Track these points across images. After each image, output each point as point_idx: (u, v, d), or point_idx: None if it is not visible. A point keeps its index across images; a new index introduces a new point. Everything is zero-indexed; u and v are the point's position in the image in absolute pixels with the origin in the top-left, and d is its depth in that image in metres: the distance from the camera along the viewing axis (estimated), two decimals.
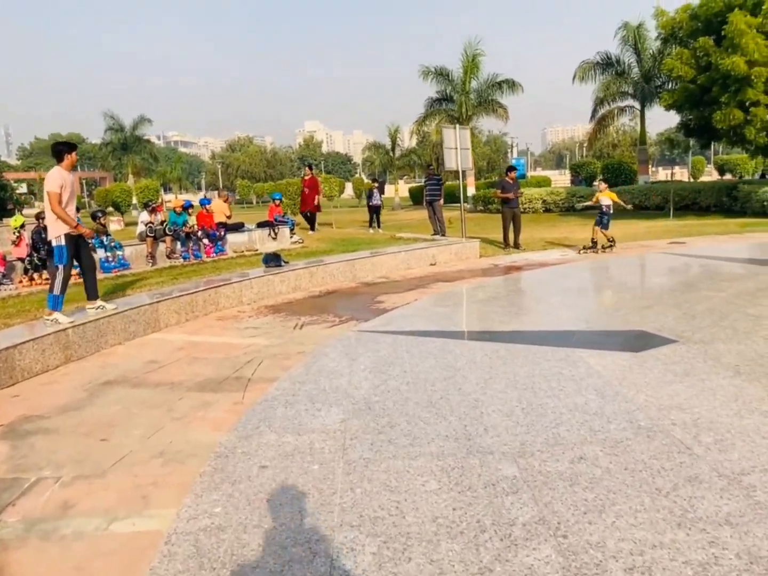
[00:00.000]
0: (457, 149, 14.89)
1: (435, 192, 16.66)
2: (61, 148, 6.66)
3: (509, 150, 59.78)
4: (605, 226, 12.89)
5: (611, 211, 13.09)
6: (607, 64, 31.14)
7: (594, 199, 13.81)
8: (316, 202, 18.07)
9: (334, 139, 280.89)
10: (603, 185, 13.77)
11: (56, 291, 6.57)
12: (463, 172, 16.04)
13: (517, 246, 14.05)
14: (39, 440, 4.37)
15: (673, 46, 23.81)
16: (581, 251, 12.83)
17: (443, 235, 16.05)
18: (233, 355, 6.35)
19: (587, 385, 4.56)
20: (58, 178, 6.50)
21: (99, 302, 7.02)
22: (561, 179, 67.19)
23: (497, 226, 20.92)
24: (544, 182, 41.86)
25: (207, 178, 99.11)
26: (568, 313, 6.94)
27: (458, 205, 34.06)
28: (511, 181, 14.31)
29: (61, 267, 6.60)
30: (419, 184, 55.41)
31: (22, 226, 10.05)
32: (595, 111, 33.06)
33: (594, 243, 12.84)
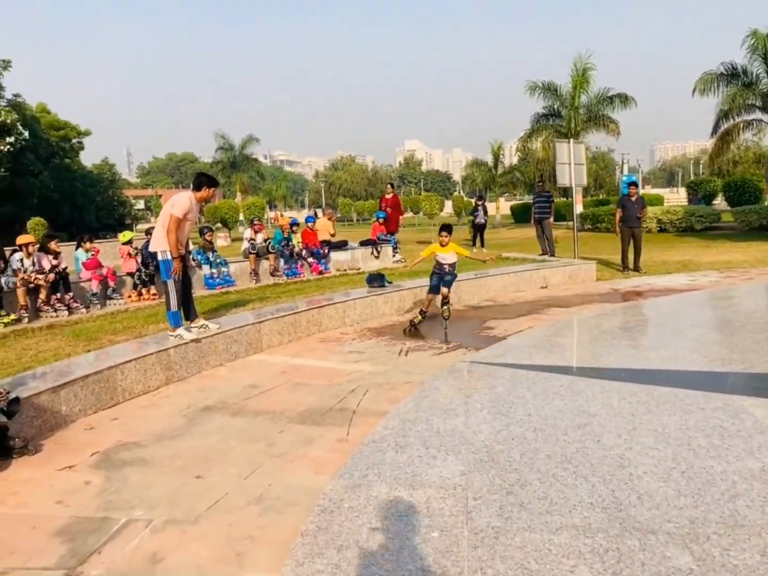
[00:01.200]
0: (571, 164, 14.05)
1: (545, 209, 15.82)
2: (202, 180, 6.63)
3: (619, 167, 57.27)
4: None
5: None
6: (732, 75, 28.89)
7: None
8: (399, 223, 17.11)
9: (434, 158, 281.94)
10: None
11: (173, 307, 6.46)
12: (570, 189, 15.19)
13: (637, 269, 12.97)
14: (133, 473, 4.08)
15: None
16: None
17: (552, 255, 15.17)
18: (336, 381, 5.94)
19: (759, 444, 3.76)
20: (186, 205, 6.44)
21: (201, 321, 6.83)
22: (673, 197, 63.69)
23: (608, 247, 19.76)
24: (657, 200, 39.65)
25: (310, 196, 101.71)
26: (715, 350, 6.04)
27: (563, 223, 32.81)
28: (632, 198, 13.20)
29: (169, 282, 6.47)
30: (521, 201, 54.08)
31: (129, 241, 10.18)
32: (717, 125, 30.76)
33: None
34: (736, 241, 20.95)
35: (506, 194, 69.40)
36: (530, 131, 36.44)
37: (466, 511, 3.14)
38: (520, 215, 42.80)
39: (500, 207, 46.11)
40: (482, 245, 18.85)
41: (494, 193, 48.71)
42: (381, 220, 14.41)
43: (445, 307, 8.20)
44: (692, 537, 2.79)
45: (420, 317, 8.17)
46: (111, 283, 9.37)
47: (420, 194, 71.58)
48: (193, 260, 10.75)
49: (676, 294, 10.02)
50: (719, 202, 41.07)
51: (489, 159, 49.31)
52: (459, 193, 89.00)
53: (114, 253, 12.01)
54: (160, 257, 6.47)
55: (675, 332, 7.05)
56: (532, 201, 18.40)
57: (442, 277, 8.11)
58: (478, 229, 18.99)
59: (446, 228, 8.18)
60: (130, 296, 9.61)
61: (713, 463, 3.53)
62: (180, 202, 6.44)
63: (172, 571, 2.92)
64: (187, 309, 6.78)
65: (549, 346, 6.86)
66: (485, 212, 19.22)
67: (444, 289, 8.08)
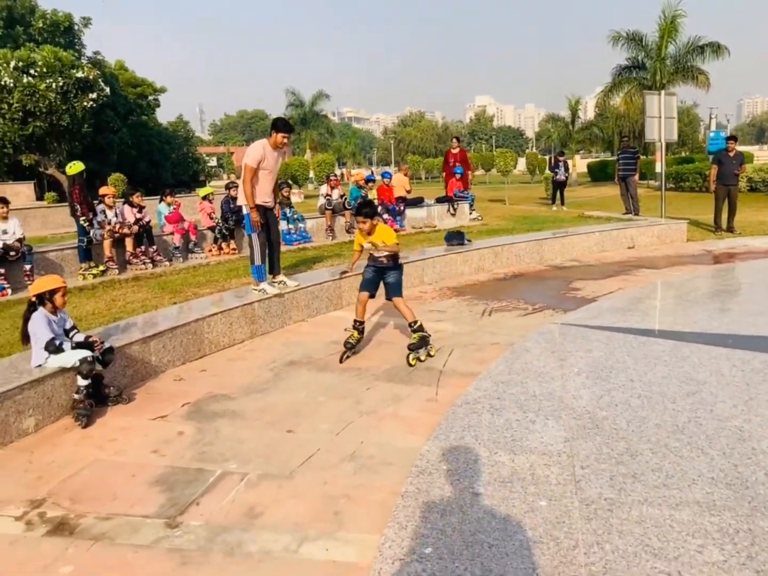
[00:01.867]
0: (661, 118, 13.23)
1: (630, 166, 15.01)
2: (274, 124, 6.40)
3: (704, 123, 54.07)
4: None
5: None
6: None
7: None
8: (470, 179, 15.91)
9: (505, 113, 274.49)
10: None
11: (256, 261, 6.42)
12: (650, 145, 14.28)
13: (731, 230, 12.17)
14: (225, 425, 4.08)
15: None
16: None
17: (636, 214, 14.45)
18: None
19: None
20: (258, 153, 6.25)
21: (281, 277, 6.78)
22: (763, 155, 59.82)
23: (693, 206, 18.73)
24: (747, 158, 37.23)
25: (379, 153, 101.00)
26: None
27: (644, 182, 31.34)
28: (730, 154, 12.28)
29: (253, 236, 6.41)
30: (598, 159, 52.01)
31: (205, 197, 10.27)
32: None
33: None
34: None
35: (582, 152, 66.87)
36: (611, 85, 34.67)
37: (575, 480, 2.96)
38: (597, 173, 41.17)
39: (576, 165, 44.51)
40: (562, 203, 18.16)
41: (570, 151, 46.97)
42: (458, 176, 14.01)
43: (413, 334, 5.19)
44: None
45: (355, 334, 5.36)
46: (192, 237, 9.49)
47: (491, 151, 70.01)
48: None
49: None
50: None
51: (565, 114, 47.48)
52: (532, 149, 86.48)
53: (193, 208, 12.17)
54: (244, 210, 6.42)
55: None
56: (616, 158, 17.52)
57: (380, 273, 5.39)
58: (558, 187, 18.28)
59: (364, 210, 5.32)
60: (210, 250, 9.72)
61: None
62: (251, 151, 6.31)
63: (270, 527, 2.88)
64: (272, 264, 6.73)
65: (644, 308, 6.50)
66: (566, 169, 18.46)
67: (395, 299, 5.33)
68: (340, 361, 5.23)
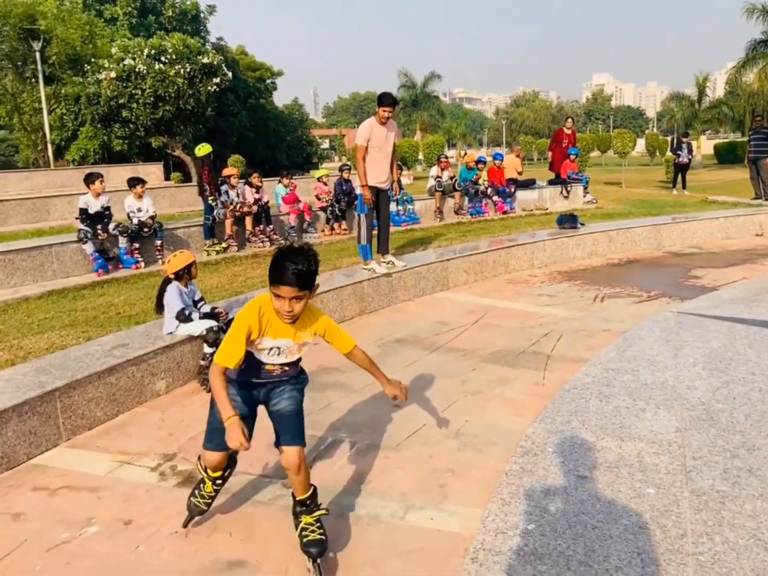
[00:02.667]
0: None
1: (762, 148, 13.96)
2: (377, 99, 6.53)
3: None
4: None
5: None
6: None
7: None
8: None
9: (624, 93, 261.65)
10: None
11: (363, 241, 6.63)
12: None
13: None
14: (335, 396, 4.29)
15: None
16: None
17: (767, 198, 13.45)
18: (528, 324, 5.78)
19: None
20: (365, 130, 6.42)
21: (389, 257, 6.93)
22: None
23: None
24: None
25: (489, 134, 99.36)
26: None
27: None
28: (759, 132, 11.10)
29: (362, 216, 6.61)
30: (726, 140, 48.55)
31: (319, 179, 10.62)
32: None
33: None
34: None
35: (708, 132, 62.63)
36: (744, 60, 32.28)
37: (685, 471, 2.90)
38: (724, 155, 38.53)
39: (702, 146, 41.81)
40: (684, 187, 17.17)
41: (695, 131, 44.15)
42: (573, 157, 13.61)
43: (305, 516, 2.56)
44: None
45: (208, 490, 2.78)
46: (307, 218, 9.85)
47: (608, 131, 67.02)
48: None
49: None
50: None
51: (690, 92, 44.59)
52: (653, 130, 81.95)
53: (308, 189, 12.60)
54: (358, 191, 6.62)
55: None
56: (747, 138, 16.32)
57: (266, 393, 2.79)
58: (681, 169, 17.26)
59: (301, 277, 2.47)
60: (323, 230, 10.06)
61: None
62: (359, 130, 6.48)
63: (378, 494, 3.03)
64: (382, 243, 6.89)
65: None
66: (690, 150, 17.41)
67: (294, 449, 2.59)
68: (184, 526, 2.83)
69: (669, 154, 24.41)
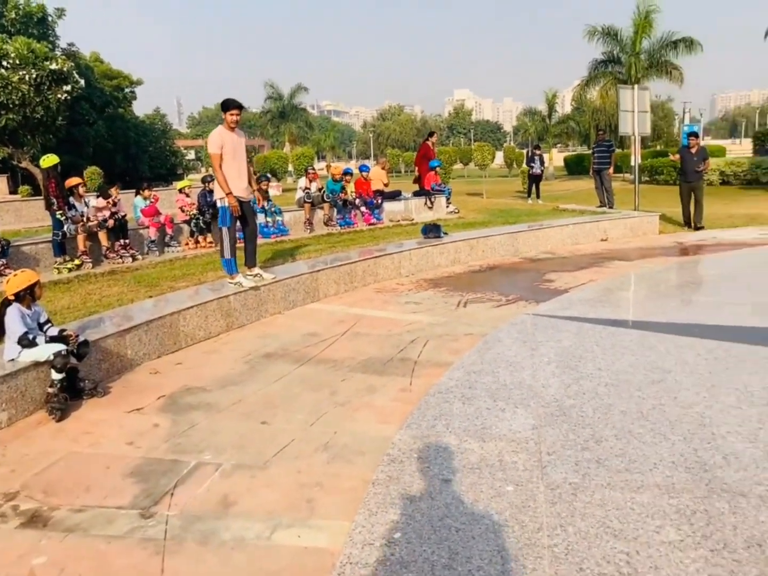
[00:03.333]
0: (634, 112, 13.42)
1: (605, 159, 15.19)
2: (222, 105, 6.37)
3: (680, 116, 54.63)
4: None
5: None
6: None
7: None
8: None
9: (483, 107, 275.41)
10: None
11: (226, 254, 6.44)
12: (626, 138, 14.37)
13: (698, 227, 12.11)
14: (200, 417, 4.11)
15: None
16: None
17: (611, 207, 14.63)
18: (396, 332, 5.87)
19: None
20: (216, 139, 6.23)
21: (257, 270, 6.79)
22: (735, 149, 60.71)
23: (668, 199, 18.98)
24: (719, 152, 37.85)
25: (358, 146, 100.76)
26: None
27: (619, 175, 31.65)
28: (692, 150, 12.17)
29: (225, 229, 6.42)
30: (574, 152, 52.39)
31: (180, 190, 10.22)
32: None
33: None
34: None
35: (559, 145, 67.31)
36: (587, 79, 35.04)
37: (541, 466, 3.05)
38: (573, 167, 41.54)
39: (553, 158, 44.85)
40: (538, 196, 18.33)
41: (547, 144, 47.30)
42: (437, 169, 14.07)
43: None
44: None
45: None
46: (168, 231, 9.45)
47: (470, 145, 70.08)
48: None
49: (746, 248, 9.56)
50: None
51: (542, 108, 47.75)
52: (510, 143, 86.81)
53: (170, 201, 12.10)
54: (218, 204, 6.42)
55: (748, 287, 6.73)
56: (591, 151, 17.70)
57: None
58: (534, 180, 18.44)
59: None
60: (187, 244, 9.69)
61: None
62: (210, 139, 6.29)
63: (244, 515, 2.93)
64: (248, 256, 6.73)
65: (614, 300, 6.64)
66: (542, 162, 18.61)
67: None
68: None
69: (524, 166, 25.89)
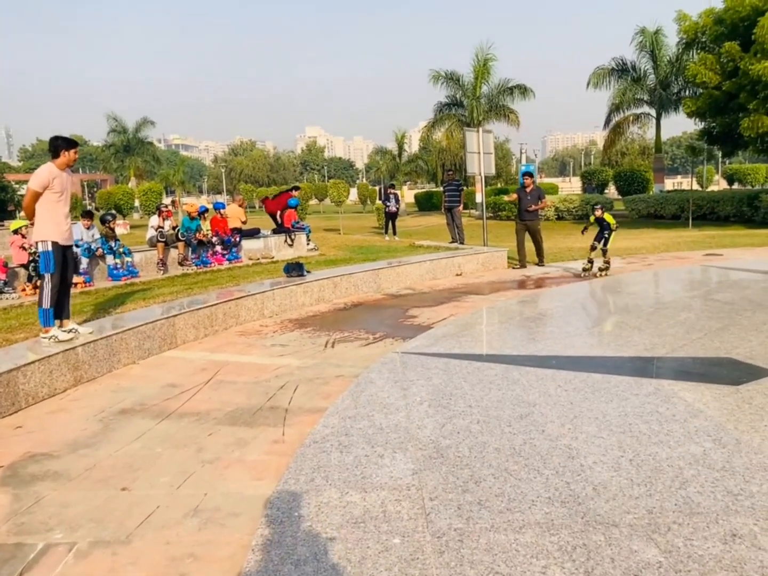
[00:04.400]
0: (480, 153, 14.25)
1: (454, 198, 15.98)
2: (58, 144, 5.80)
3: (517, 155, 59.06)
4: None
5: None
6: (622, 70, 30.57)
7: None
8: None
9: (335, 145, 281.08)
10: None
11: (45, 304, 5.73)
12: (470, 177, 15.22)
13: (540, 263, 12.47)
14: (47, 489, 3.66)
15: (695, 51, 23.24)
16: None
17: (462, 242, 15.37)
18: (263, 378, 5.65)
19: (696, 428, 3.86)
20: (46, 177, 5.65)
21: (72, 324, 6.10)
22: (566, 186, 66.58)
23: (511, 234, 20.23)
24: (552, 189, 41.32)
25: (209, 181, 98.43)
26: (636, 336, 6.22)
27: (465, 211, 33.41)
28: (527, 190, 12.26)
29: (48, 276, 5.75)
30: (424, 190, 54.73)
31: (15, 231, 9.29)
32: (609, 118, 32.46)
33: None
34: (629, 228, 22.13)
35: (409, 183, 70.08)
36: (433, 120, 36.98)
37: (425, 513, 3.01)
38: (424, 203, 43.37)
39: (404, 195, 46.53)
40: (394, 233, 18.83)
41: (398, 182, 49.06)
42: (296, 207, 14.02)
43: None
44: (653, 528, 2.79)
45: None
46: (2, 276, 8.54)
47: (324, 181, 70.94)
48: (99, 248, 10.03)
49: (588, 281, 10.37)
50: (611, 191, 43.31)
51: (392, 147, 49.53)
52: (363, 180, 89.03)
53: (3, 243, 11.00)
54: (40, 248, 5.77)
55: (595, 318, 7.27)
56: (442, 189, 18.54)
57: None
58: (390, 217, 18.95)
59: None
60: (24, 289, 8.81)
61: (657, 450, 3.58)
62: (38, 175, 5.72)
63: None
64: (61, 308, 6.01)
65: (476, 334, 6.88)
66: (397, 200, 19.19)
67: None
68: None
69: (378, 202, 26.59)
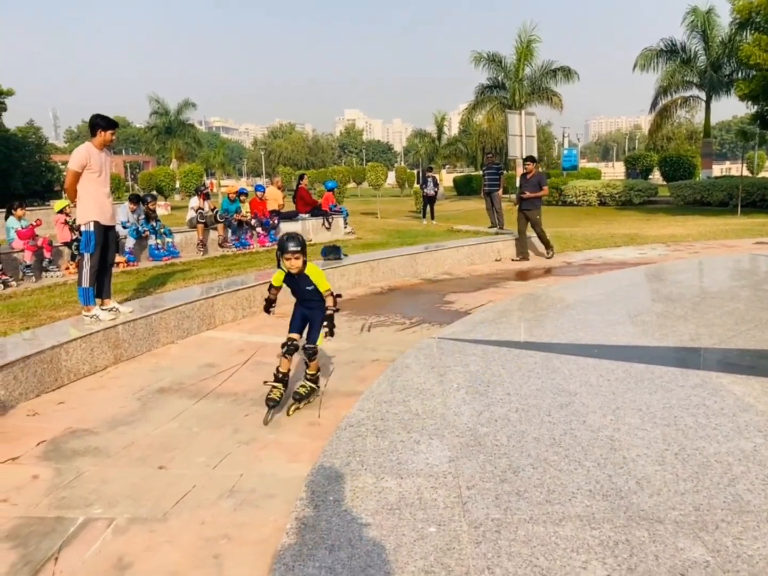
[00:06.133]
0: (522, 136, 14.00)
1: (494, 182, 15.71)
2: (96, 123, 5.82)
3: (560, 139, 57.91)
4: None
5: None
6: (671, 51, 29.60)
7: None
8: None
9: (374, 128, 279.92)
10: None
11: (84, 283, 5.81)
12: (511, 161, 14.88)
13: (549, 256, 11.55)
14: (87, 464, 3.72)
15: (749, 31, 22.36)
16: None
17: (501, 227, 15.13)
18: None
19: (746, 423, 3.71)
20: (83, 156, 5.69)
21: (112, 303, 6.14)
22: (608, 171, 65.17)
23: (551, 219, 19.93)
24: (594, 174, 40.47)
25: (248, 164, 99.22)
26: (682, 325, 6.03)
27: (505, 196, 32.95)
28: (527, 177, 11.42)
29: (87, 255, 5.82)
30: (462, 173, 54.19)
31: (60, 211, 9.46)
32: (656, 101, 31.55)
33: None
34: (674, 215, 21.57)
35: (448, 166, 69.48)
36: (474, 103, 36.47)
37: (461, 502, 2.95)
38: (462, 187, 42.89)
39: (443, 179, 46.16)
40: (432, 217, 18.68)
41: (437, 165, 48.66)
42: (333, 190, 13.99)
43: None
44: (701, 525, 2.68)
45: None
46: (47, 254, 8.72)
47: (362, 165, 70.86)
48: (146, 231, 10.15)
49: (629, 267, 10.11)
50: (655, 177, 42.22)
51: (431, 130, 49.11)
52: (401, 164, 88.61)
53: (48, 222, 11.24)
54: (83, 228, 5.84)
55: (639, 307, 7.06)
56: (482, 173, 18.28)
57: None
58: (429, 201, 18.78)
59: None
60: (68, 268, 8.99)
61: (704, 444, 3.45)
62: (76, 155, 5.76)
63: None
64: (101, 287, 6.06)
65: (515, 320, 6.76)
66: (435, 183, 19.00)
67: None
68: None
69: (416, 186, 26.41)
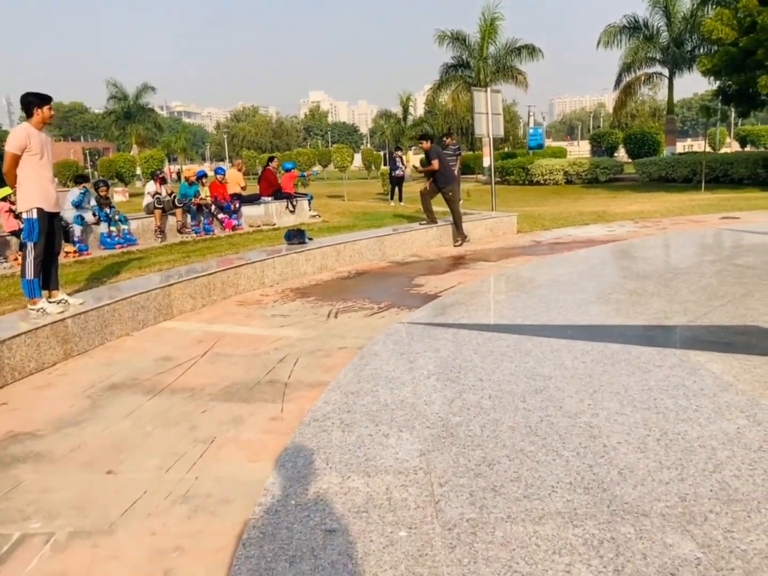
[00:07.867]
0: (489, 114, 13.75)
1: (450, 163, 15.44)
2: (29, 101, 5.37)
3: (525, 119, 57.88)
4: None
5: None
6: (634, 28, 29.63)
7: None
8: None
9: (339, 110, 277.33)
10: None
11: (28, 275, 5.43)
12: (479, 140, 14.69)
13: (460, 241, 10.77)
14: (27, 472, 3.41)
15: (710, 6, 22.41)
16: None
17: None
18: (262, 350, 5.37)
19: (727, 403, 3.56)
20: (22, 137, 5.24)
21: (61, 295, 5.79)
22: (574, 150, 65.46)
23: (519, 199, 19.90)
24: (560, 153, 40.59)
25: (212, 148, 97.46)
26: (655, 303, 5.90)
27: (473, 176, 32.93)
28: (447, 150, 11.08)
29: (30, 245, 5.43)
30: None
31: (6, 197, 8.94)
32: (620, 78, 31.61)
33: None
34: (640, 191, 21.66)
35: (414, 147, 69.07)
36: (439, 82, 36.18)
37: (434, 501, 2.73)
38: None
39: (410, 160, 45.82)
40: (400, 199, 18.38)
41: (403, 146, 48.33)
42: (292, 171, 13.61)
43: None
44: (688, 518, 2.51)
45: None
46: None
47: (327, 147, 70.12)
48: (94, 215, 9.70)
49: (598, 244, 10.00)
50: (620, 155, 42.49)
51: (397, 111, 48.68)
52: (367, 145, 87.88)
53: None
54: (24, 216, 5.45)
55: (611, 285, 6.93)
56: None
57: None
58: (396, 182, 18.47)
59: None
60: (16, 258, 8.52)
61: (686, 428, 3.29)
62: (13, 136, 5.32)
63: None
64: (48, 278, 5.70)
65: (485, 302, 6.57)
66: (402, 163, 18.70)
67: None
68: None
69: (384, 168, 26.09)
